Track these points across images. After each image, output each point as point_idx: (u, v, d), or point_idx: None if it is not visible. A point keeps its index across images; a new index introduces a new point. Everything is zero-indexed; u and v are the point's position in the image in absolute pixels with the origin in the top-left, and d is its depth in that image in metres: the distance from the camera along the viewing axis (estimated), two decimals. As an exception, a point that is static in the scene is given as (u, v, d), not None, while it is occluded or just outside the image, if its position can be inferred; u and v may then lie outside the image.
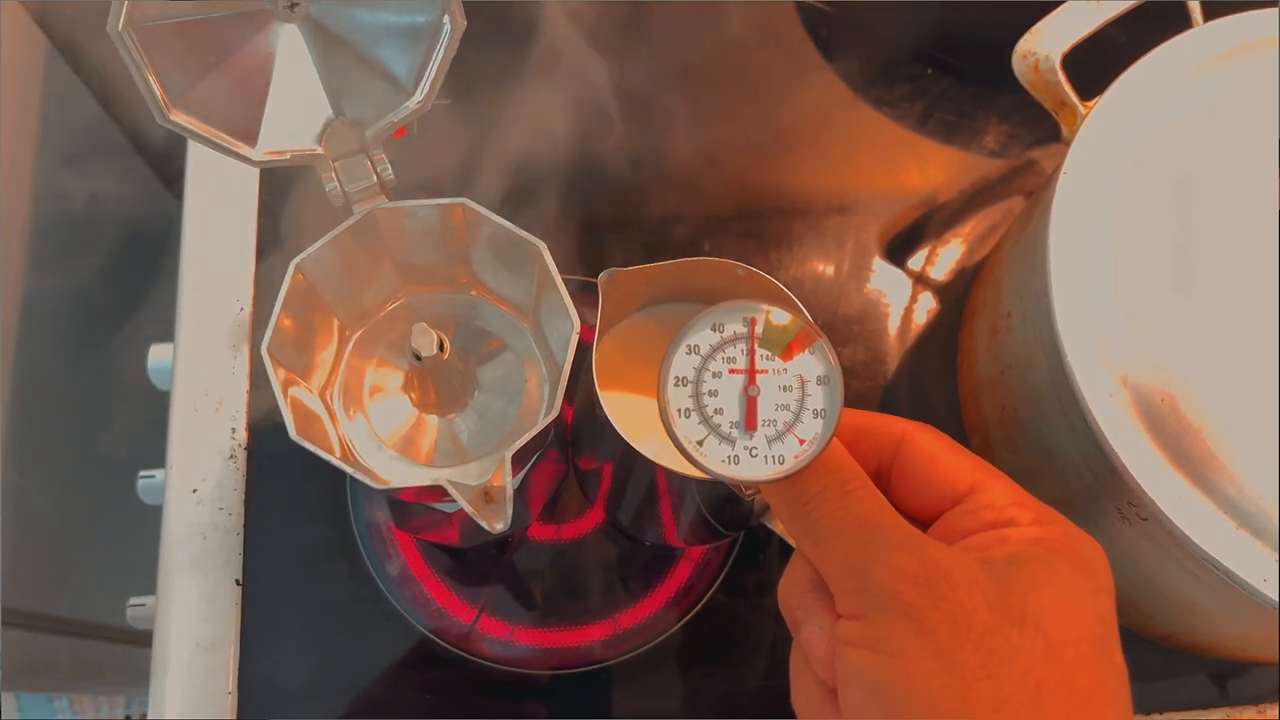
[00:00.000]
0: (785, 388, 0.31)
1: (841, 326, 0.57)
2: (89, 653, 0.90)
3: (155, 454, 0.64)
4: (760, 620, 0.52)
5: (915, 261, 0.59)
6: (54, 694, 1.22)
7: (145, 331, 0.83)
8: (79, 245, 0.85)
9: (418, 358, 0.40)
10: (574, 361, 0.40)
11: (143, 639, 0.96)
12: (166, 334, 0.59)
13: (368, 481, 0.38)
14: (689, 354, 0.32)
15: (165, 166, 0.99)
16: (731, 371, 0.32)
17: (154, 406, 0.91)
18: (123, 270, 0.93)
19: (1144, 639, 0.51)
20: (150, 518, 0.77)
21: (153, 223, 1.00)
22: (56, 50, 0.80)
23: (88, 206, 0.87)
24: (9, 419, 0.71)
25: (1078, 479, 0.45)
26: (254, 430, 0.53)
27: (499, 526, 0.37)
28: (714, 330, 0.32)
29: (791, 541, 0.44)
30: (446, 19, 0.38)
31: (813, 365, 0.31)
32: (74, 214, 0.84)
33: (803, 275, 0.58)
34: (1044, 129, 0.62)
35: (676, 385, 0.32)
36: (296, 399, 0.40)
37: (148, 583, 0.62)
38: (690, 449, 0.31)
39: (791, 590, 0.32)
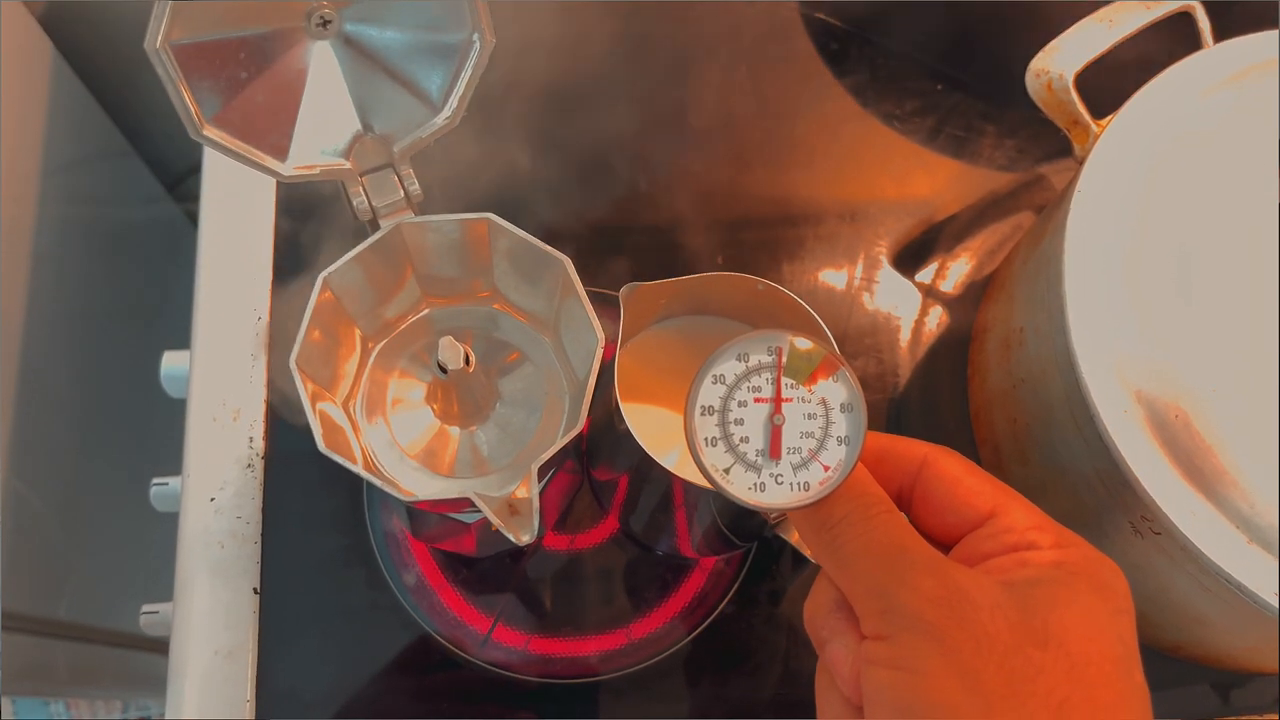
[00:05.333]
0: (809, 415, 0.32)
1: (852, 339, 0.58)
2: (87, 657, 0.89)
3: (156, 460, 0.64)
4: (773, 630, 0.53)
5: (925, 274, 0.60)
6: (50, 698, 1.21)
7: (147, 337, 0.83)
8: (81, 250, 0.85)
9: (443, 370, 0.41)
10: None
11: (141, 644, 0.96)
12: (171, 339, 0.60)
13: (393, 492, 0.38)
14: (715, 384, 0.32)
15: (166, 171, 0.99)
16: (757, 400, 0.32)
17: (156, 413, 0.91)
18: (124, 275, 0.93)
19: (1151, 650, 0.52)
20: (151, 524, 0.77)
21: (154, 227, 1.00)
22: (60, 54, 0.80)
23: (90, 210, 0.87)
24: (11, 424, 0.71)
25: (1090, 492, 0.46)
26: (271, 439, 0.53)
27: (525, 538, 0.37)
28: (739, 360, 0.32)
29: (806, 552, 0.45)
30: (476, 37, 0.39)
31: (836, 392, 0.32)
32: (76, 218, 0.84)
33: (814, 287, 0.59)
34: (1052, 144, 0.62)
35: (703, 414, 0.32)
36: (322, 411, 0.40)
37: (149, 588, 0.62)
38: (717, 477, 0.32)
39: (817, 611, 0.32)
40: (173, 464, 0.57)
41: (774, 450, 0.32)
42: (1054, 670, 0.27)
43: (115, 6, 0.81)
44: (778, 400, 0.32)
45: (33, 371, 0.74)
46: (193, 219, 0.94)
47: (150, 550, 0.90)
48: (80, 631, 0.87)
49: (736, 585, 0.53)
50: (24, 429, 0.73)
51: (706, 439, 0.32)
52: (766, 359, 0.32)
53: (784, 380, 0.32)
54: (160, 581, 0.62)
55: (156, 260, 0.98)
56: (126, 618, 0.94)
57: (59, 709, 1.22)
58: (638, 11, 0.66)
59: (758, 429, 0.32)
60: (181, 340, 0.59)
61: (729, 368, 0.32)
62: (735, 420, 0.32)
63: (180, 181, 1.01)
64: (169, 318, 0.93)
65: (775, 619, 0.53)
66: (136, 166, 0.94)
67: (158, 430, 0.93)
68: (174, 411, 0.60)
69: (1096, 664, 0.28)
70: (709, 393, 0.32)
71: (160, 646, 0.99)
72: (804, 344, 0.32)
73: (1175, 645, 0.51)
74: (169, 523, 0.55)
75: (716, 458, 0.32)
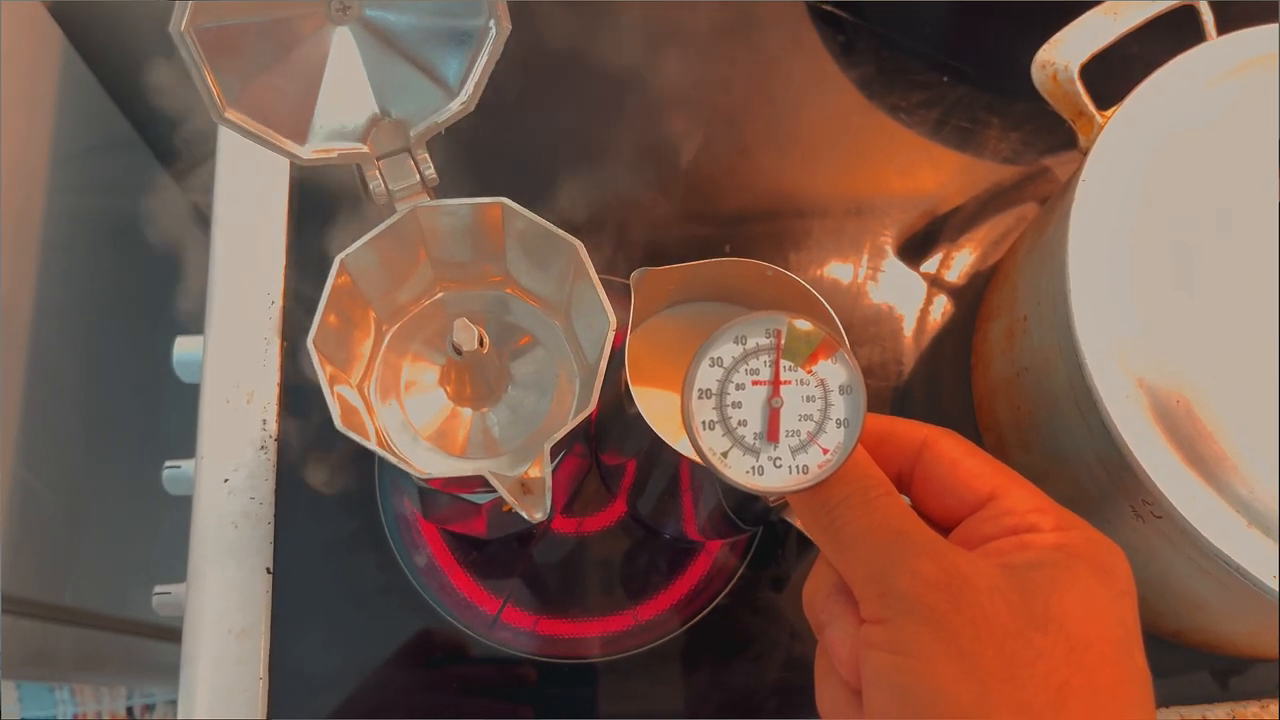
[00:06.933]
0: (808, 398, 0.32)
1: (858, 327, 0.59)
2: (91, 643, 0.90)
3: (162, 449, 0.64)
4: (778, 615, 0.53)
5: (930, 265, 0.61)
6: (55, 684, 1.22)
7: (153, 328, 0.84)
8: (89, 239, 0.86)
9: (458, 352, 0.41)
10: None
11: (146, 630, 0.96)
12: (176, 330, 0.60)
13: (408, 470, 0.39)
14: (712, 366, 0.32)
15: (173, 160, 0.99)
16: (755, 383, 0.32)
17: (162, 402, 0.92)
18: (130, 265, 0.93)
19: (1151, 636, 0.52)
20: (156, 511, 0.77)
21: (159, 217, 1.01)
22: (71, 44, 0.81)
23: (98, 200, 0.87)
24: (19, 412, 0.72)
25: (1091, 478, 0.46)
26: (285, 421, 0.53)
27: (538, 516, 0.38)
28: (737, 343, 0.32)
29: (812, 537, 0.46)
30: (492, 23, 0.39)
31: (835, 374, 0.32)
32: (84, 207, 0.84)
33: (820, 277, 0.60)
34: (1057, 137, 0.63)
35: (701, 397, 0.32)
36: (338, 393, 0.41)
37: (154, 575, 0.62)
38: (715, 461, 0.32)
39: (816, 594, 0.32)
40: (178, 452, 0.58)
41: (772, 433, 0.32)
42: (1053, 653, 0.27)
43: (173, 5, 0.81)
44: (776, 383, 0.32)
45: (40, 360, 0.75)
46: (200, 210, 0.95)
47: (155, 537, 0.91)
48: (85, 617, 0.88)
49: (742, 569, 0.54)
50: (31, 417, 0.74)
51: (704, 422, 0.32)
52: (765, 341, 0.32)
53: (783, 362, 0.32)
54: (165, 568, 0.62)
55: (163, 251, 0.99)
56: (131, 604, 0.94)
57: (64, 695, 1.23)
58: (644, 1, 0.67)
59: (756, 412, 0.32)
60: (187, 330, 0.59)
61: (727, 350, 0.32)
62: (733, 403, 0.32)
63: (187, 172, 1.02)
64: (174, 309, 0.93)
65: (780, 603, 0.53)
66: (144, 156, 0.95)
67: (164, 418, 0.94)
68: (180, 400, 0.61)
69: (1097, 647, 0.28)
70: (706, 375, 0.32)
71: (165, 633, 0.99)
72: (803, 325, 0.32)
73: (1176, 631, 0.52)
74: (174, 509, 0.56)
75: (714, 441, 0.32)
